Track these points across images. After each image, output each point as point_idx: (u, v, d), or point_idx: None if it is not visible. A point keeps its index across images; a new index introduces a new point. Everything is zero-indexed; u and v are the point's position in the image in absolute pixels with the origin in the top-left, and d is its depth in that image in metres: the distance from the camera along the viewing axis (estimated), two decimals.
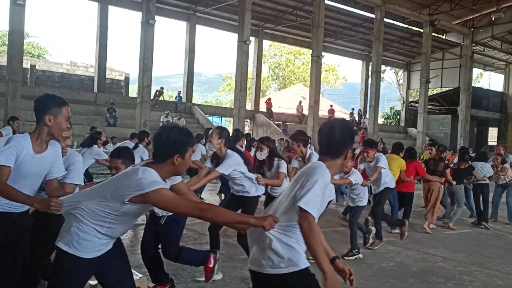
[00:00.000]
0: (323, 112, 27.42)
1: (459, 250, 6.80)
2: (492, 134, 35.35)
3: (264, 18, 25.59)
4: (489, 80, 41.14)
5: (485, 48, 31.84)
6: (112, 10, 22.35)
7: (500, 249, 7.13)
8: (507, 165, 9.47)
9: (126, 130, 18.62)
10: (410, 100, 34.57)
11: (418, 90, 29.91)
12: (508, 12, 27.31)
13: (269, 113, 26.27)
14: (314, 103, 21.51)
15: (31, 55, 38.54)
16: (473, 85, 32.52)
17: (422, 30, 27.45)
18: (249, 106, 26.69)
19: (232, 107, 22.52)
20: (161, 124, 20.06)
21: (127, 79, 26.34)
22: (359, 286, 4.89)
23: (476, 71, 37.90)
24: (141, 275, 4.23)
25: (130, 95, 26.75)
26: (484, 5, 26.34)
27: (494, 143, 32.93)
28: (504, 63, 34.67)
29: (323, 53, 22.26)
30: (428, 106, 28.95)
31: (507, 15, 27.32)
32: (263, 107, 27.42)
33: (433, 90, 34.60)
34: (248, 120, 26.03)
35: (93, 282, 3.68)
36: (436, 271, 5.58)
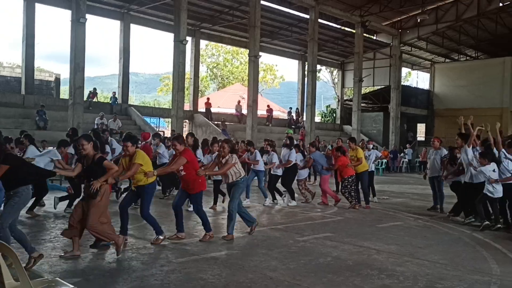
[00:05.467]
0: (262, 111, 27.73)
1: (392, 242, 7.11)
2: (421, 130, 37.30)
3: (201, 17, 25.42)
4: (416, 78, 43.36)
5: (412, 48, 33.53)
6: (39, 7, 21.30)
7: (429, 239, 7.53)
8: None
9: (57, 133, 17.82)
10: (345, 98, 35.70)
11: (352, 88, 30.96)
12: (432, 14, 28.96)
13: (208, 113, 26.14)
14: (253, 103, 21.67)
15: None
16: (402, 83, 34.13)
17: (354, 31, 28.44)
18: (187, 106, 26.43)
19: (170, 107, 22.21)
20: (95, 126, 19.42)
21: (57, 80, 25.20)
22: (297, 282, 4.99)
23: (404, 70, 39.82)
24: (52, 277, 4.07)
25: (61, 96, 25.62)
26: (410, 7, 27.71)
27: (423, 139, 34.78)
28: (430, 62, 36.68)
29: (260, 53, 22.51)
30: (362, 104, 30.03)
31: (431, 17, 28.97)
32: (202, 107, 27.25)
33: (366, 89, 35.97)
34: (187, 121, 25.76)
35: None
36: (371, 264, 5.80)
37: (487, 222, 8.29)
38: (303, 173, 11.63)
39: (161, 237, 6.58)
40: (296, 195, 11.24)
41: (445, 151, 10.25)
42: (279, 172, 11.02)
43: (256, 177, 11.09)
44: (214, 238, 7.03)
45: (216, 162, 7.45)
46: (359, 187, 10.97)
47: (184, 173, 6.78)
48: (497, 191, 8.17)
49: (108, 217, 5.85)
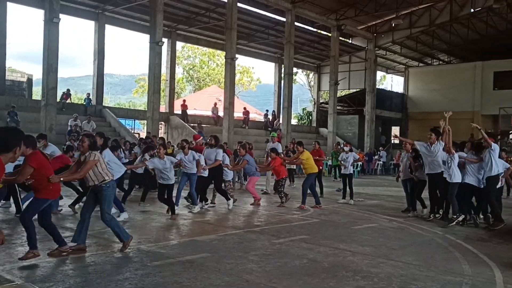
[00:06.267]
0: (238, 113, 27.73)
1: (367, 244, 7.18)
2: (395, 133, 37.87)
3: (177, 19, 25.29)
4: (391, 82, 44.03)
5: (387, 52, 34.07)
6: (11, 6, 20.80)
7: (403, 241, 7.64)
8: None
9: (30, 134, 17.45)
10: (321, 101, 36.01)
11: (328, 91, 31.23)
12: (406, 19, 29.51)
13: (184, 115, 26.00)
14: (229, 105, 21.68)
15: None
16: (377, 87, 34.63)
17: (330, 34, 28.73)
18: (163, 108, 26.23)
19: (146, 109, 22.00)
20: (69, 128, 19.09)
21: (29, 81, 24.66)
22: (273, 285, 4.99)
23: (379, 74, 40.40)
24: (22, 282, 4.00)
25: (33, 97, 25.11)
26: (385, 12, 28.17)
27: (397, 141, 35.33)
28: (404, 66, 37.33)
29: (237, 55, 22.52)
30: (337, 107, 30.35)
31: (405, 21, 29.52)
32: (178, 109, 27.08)
33: (341, 92, 36.37)
34: (163, 123, 25.55)
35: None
36: (346, 265, 5.84)
37: (462, 216, 8.86)
38: (230, 174, 11.36)
39: None
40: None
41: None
42: (205, 173, 10.21)
43: (188, 181, 9.96)
44: (187, 241, 6.96)
45: (79, 162, 6.23)
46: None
47: (32, 180, 5.63)
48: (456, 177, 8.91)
49: None
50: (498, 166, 8.76)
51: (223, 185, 10.70)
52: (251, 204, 11.17)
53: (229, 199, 10.47)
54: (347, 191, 12.31)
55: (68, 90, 23.78)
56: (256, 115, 36.68)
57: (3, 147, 3.61)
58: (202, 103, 36.01)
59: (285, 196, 11.28)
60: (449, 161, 8.88)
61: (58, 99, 19.04)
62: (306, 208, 10.92)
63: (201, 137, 13.68)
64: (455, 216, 8.84)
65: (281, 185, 11.25)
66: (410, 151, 10.56)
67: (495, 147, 8.78)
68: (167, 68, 26.91)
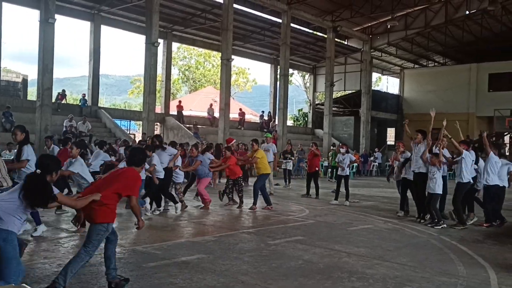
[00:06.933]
0: (234, 114, 27.72)
1: (362, 245, 7.20)
2: (390, 134, 37.96)
3: (173, 20, 25.26)
4: (386, 83, 44.11)
5: (383, 54, 34.15)
6: (7, 6, 20.76)
7: (398, 242, 7.66)
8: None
9: None
10: (317, 102, 36.03)
11: (324, 92, 31.27)
12: (401, 21, 29.60)
13: (180, 116, 25.96)
14: (225, 106, 21.66)
15: None
16: (372, 88, 34.69)
17: (326, 36, 28.78)
18: (159, 109, 26.18)
19: (142, 110, 21.96)
20: (64, 128, 19.04)
21: (25, 81, 24.56)
22: (269, 286, 4.99)
23: (375, 75, 40.50)
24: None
25: (29, 98, 25.00)
26: (380, 14, 28.23)
27: (392, 142, 35.43)
28: (399, 68, 37.43)
29: (233, 56, 22.52)
30: (333, 108, 30.38)
31: (401, 23, 29.61)
32: (173, 110, 27.04)
33: (337, 93, 36.41)
34: (158, 124, 25.50)
35: None
36: (341, 267, 5.86)
37: (444, 225, 8.94)
38: (180, 176, 10.64)
39: None
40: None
41: (409, 154, 10.58)
42: (161, 175, 9.56)
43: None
44: (182, 242, 6.95)
45: None
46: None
47: None
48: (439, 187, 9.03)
49: None
50: (468, 174, 9.02)
51: (174, 187, 10.35)
52: (200, 208, 10.60)
53: (177, 203, 9.93)
54: (342, 192, 12.34)
55: (64, 90, 23.69)
56: (252, 116, 36.65)
57: (135, 163, 4.88)
58: (197, 104, 35.96)
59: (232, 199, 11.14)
60: (434, 172, 8.97)
61: (53, 100, 18.95)
62: (274, 208, 10.84)
63: (234, 140, 13.54)
64: (441, 222, 8.98)
65: (240, 185, 11.02)
66: (403, 152, 10.67)
67: (466, 154, 9.00)
68: (162, 69, 26.87)
